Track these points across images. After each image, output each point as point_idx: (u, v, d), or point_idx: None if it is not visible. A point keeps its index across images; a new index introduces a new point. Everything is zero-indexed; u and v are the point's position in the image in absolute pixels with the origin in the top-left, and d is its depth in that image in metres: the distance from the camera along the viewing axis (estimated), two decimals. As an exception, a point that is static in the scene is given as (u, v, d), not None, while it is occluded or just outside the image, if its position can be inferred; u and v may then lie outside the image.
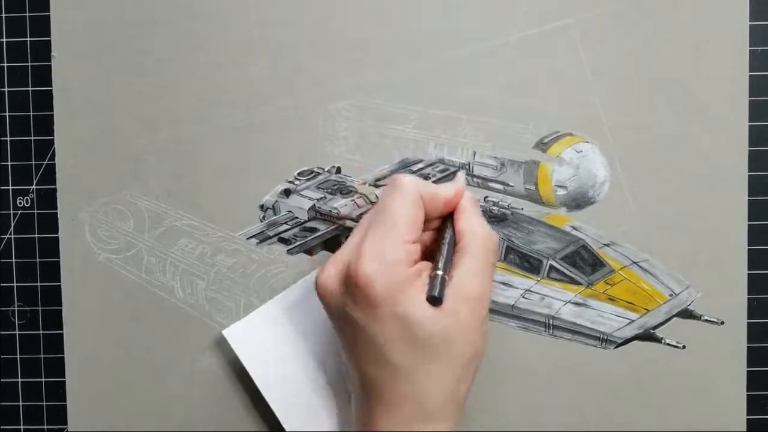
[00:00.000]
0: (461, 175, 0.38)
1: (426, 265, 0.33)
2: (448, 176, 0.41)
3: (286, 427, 0.39)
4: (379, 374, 0.32)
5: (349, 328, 0.33)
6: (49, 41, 0.41)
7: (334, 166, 0.41)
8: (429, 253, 0.34)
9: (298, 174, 0.41)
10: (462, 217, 0.34)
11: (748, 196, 0.41)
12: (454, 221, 0.34)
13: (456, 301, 0.32)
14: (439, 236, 0.35)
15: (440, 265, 0.32)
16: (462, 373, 0.32)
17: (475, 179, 0.41)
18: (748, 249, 0.41)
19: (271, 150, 0.41)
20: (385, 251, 0.31)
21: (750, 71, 0.40)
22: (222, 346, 0.41)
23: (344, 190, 0.41)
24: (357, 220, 0.41)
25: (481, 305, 0.32)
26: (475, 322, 0.32)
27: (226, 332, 0.39)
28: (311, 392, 0.39)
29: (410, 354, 0.31)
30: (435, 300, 0.31)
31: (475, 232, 0.33)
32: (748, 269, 0.41)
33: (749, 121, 0.40)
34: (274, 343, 0.39)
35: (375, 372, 0.32)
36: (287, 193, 0.41)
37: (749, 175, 0.41)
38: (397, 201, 0.33)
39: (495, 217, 0.41)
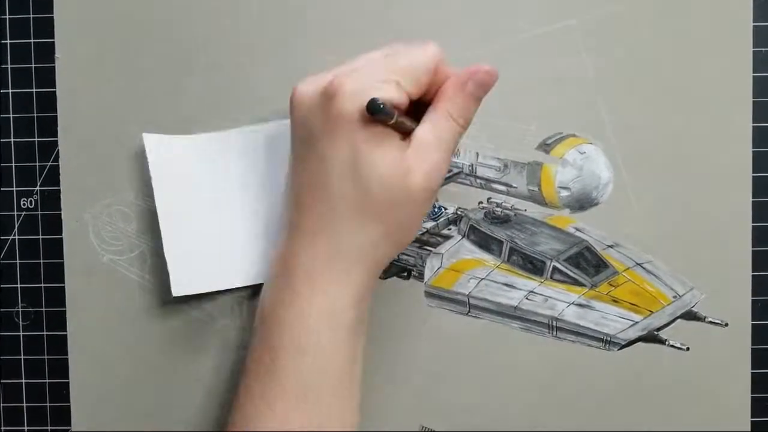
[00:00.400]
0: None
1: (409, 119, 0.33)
2: (451, 177, 0.41)
3: (171, 271, 0.38)
4: (315, 204, 0.32)
5: (305, 149, 0.33)
6: (53, 43, 0.41)
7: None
8: None
9: (301, 175, 0.41)
10: (446, 93, 0.33)
11: (752, 198, 0.40)
12: (439, 91, 0.34)
13: (410, 156, 0.32)
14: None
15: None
16: (391, 235, 0.33)
17: (478, 180, 0.41)
18: (753, 251, 0.40)
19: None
20: (374, 80, 0.31)
21: (754, 72, 0.40)
22: (224, 345, 0.41)
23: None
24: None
25: (442, 141, 0.32)
26: (432, 155, 0.32)
27: (146, 135, 0.39)
28: (216, 254, 0.39)
29: (350, 194, 0.31)
30: (373, 107, 0.30)
31: (448, 106, 0.33)
32: (753, 271, 0.41)
33: (753, 122, 0.40)
34: (198, 173, 0.38)
35: (312, 201, 0.32)
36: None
37: (753, 177, 0.40)
38: (413, 52, 0.32)
39: (498, 219, 0.41)
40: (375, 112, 0.30)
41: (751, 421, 0.41)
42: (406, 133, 0.33)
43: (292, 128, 0.34)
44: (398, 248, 0.35)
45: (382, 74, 0.32)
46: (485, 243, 0.41)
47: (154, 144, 0.39)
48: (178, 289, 0.39)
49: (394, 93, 0.31)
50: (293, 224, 0.34)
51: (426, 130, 0.33)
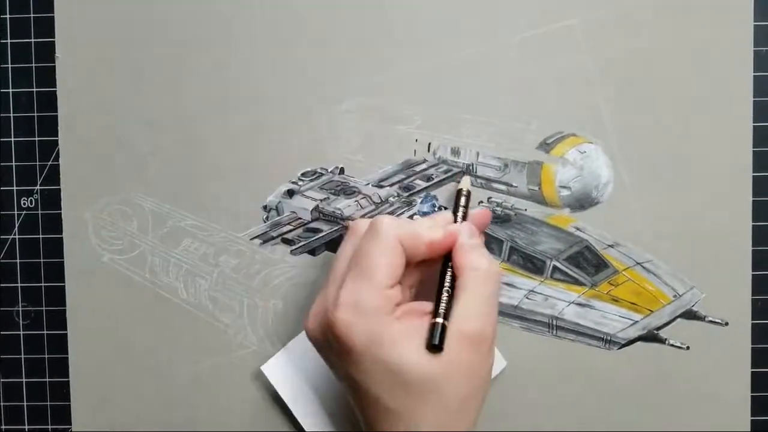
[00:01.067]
0: (448, 216, 0.36)
1: (413, 307, 0.32)
2: (451, 177, 0.41)
3: None
4: (373, 415, 0.32)
5: (340, 374, 0.33)
6: (53, 42, 0.41)
7: (337, 167, 0.41)
8: (426, 292, 0.34)
9: (302, 175, 0.41)
10: (459, 253, 0.33)
11: (753, 197, 0.40)
12: (452, 258, 0.33)
13: (452, 340, 0.31)
14: (439, 276, 0.34)
15: (440, 311, 0.32)
16: (458, 411, 0.31)
17: (478, 180, 0.41)
18: (753, 250, 0.40)
19: (274, 151, 0.41)
20: (361, 300, 0.31)
21: (754, 71, 0.40)
22: (224, 345, 0.41)
23: (348, 191, 0.41)
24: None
25: (482, 342, 0.32)
26: (474, 361, 0.31)
27: (264, 368, 0.40)
28: (345, 423, 0.39)
29: (399, 397, 0.31)
30: (434, 348, 0.30)
31: (472, 267, 0.32)
32: (753, 270, 0.41)
33: (753, 122, 0.40)
34: (307, 375, 0.39)
35: (369, 413, 0.32)
36: (291, 193, 0.41)
37: (753, 176, 0.40)
38: (373, 247, 0.32)
39: (498, 218, 0.41)
40: (435, 351, 0.31)
41: (751, 420, 0.41)
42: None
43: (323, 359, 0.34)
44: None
45: (374, 290, 0.31)
46: (486, 242, 0.41)
47: (273, 369, 0.40)
48: None
49: (393, 301, 0.31)
50: None
51: (464, 307, 0.32)
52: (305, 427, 0.39)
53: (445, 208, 0.41)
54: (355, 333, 0.30)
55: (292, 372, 0.40)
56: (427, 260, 0.34)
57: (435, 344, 0.30)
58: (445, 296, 0.32)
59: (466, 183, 0.38)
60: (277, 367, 0.40)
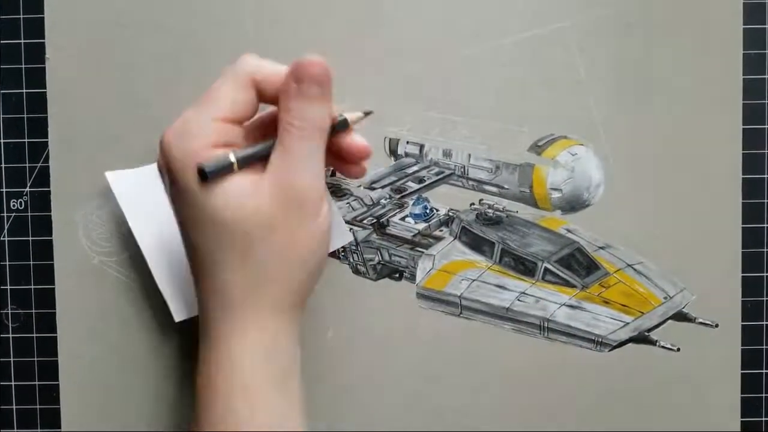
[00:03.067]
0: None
1: (257, 147, 0.31)
2: (443, 179, 0.41)
3: (168, 301, 0.38)
4: (190, 258, 0.31)
5: (169, 201, 0.32)
6: (43, 43, 0.41)
7: (329, 168, 0.41)
8: None
9: (293, 176, 0.41)
10: (285, 97, 0.30)
11: (743, 199, 0.41)
12: (278, 100, 0.31)
13: (262, 185, 0.29)
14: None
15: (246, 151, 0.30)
16: (266, 267, 0.30)
17: (470, 182, 0.41)
18: (743, 252, 0.41)
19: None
20: (190, 125, 0.30)
21: (744, 74, 0.40)
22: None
23: (339, 193, 0.41)
24: (352, 222, 0.41)
25: (300, 196, 0.30)
26: (289, 214, 0.30)
27: (108, 174, 0.38)
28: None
29: (203, 236, 0.30)
30: (202, 175, 0.29)
31: (296, 116, 0.30)
32: (743, 272, 0.41)
33: (743, 124, 0.41)
34: (164, 201, 0.36)
35: (188, 255, 0.31)
36: (282, 195, 0.41)
37: (743, 178, 0.41)
38: (219, 79, 0.31)
39: (490, 220, 0.41)
40: (208, 177, 0.29)
41: (741, 421, 0.41)
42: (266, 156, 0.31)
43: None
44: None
45: (199, 130, 0.30)
46: (477, 244, 0.41)
47: (118, 180, 0.39)
48: (179, 315, 0.38)
49: (226, 135, 0.30)
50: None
51: (275, 156, 0.30)
52: (144, 252, 0.38)
53: (437, 210, 0.42)
54: (174, 155, 0.29)
55: (141, 192, 0.38)
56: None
57: (201, 167, 0.29)
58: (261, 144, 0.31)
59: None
60: (123, 179, 0.38)
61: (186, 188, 0.29)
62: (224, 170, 0.29)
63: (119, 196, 0.39)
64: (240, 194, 0.29)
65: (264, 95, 0.31)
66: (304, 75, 0.30)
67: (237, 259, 0.30)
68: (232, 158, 0.29)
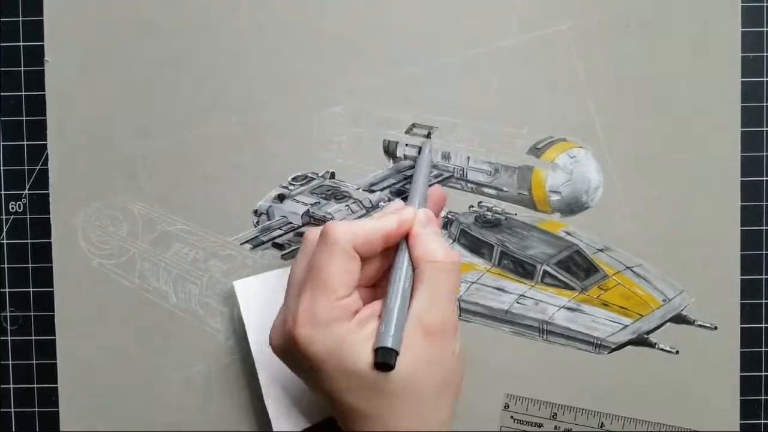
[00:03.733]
0: (400, 204, 0.35)
1: (373, 310, 0.32)
2: (442, 181, 0.41)
3: (273, 420, 0.38)
4: (346, 420, 0.32)
5: (309, 385, 0.33)
6: (42, 46, 0.41)
7: (328, 171, 0.41)
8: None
9: (292, 179, 0.41)
10: (414, 242, 0.32)
11: (741, 202, 0.41)
12: (409, 248, 0.33)
13: (414, 336, 0.30)
14: (392, 265, 0.33)
15: (389, 299, 0.31)
16: (431, 404, 0.31)
17: (469, 184, 0.41)
18: (741, 254, 0.41)
19: (265, 155, 0.41)
20: (317, 312, 0.30)
21: (742, 77, 0.40)
22: (214, 350, 0.41)
23: (338, 195, 0.41)
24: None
25: (445, 335, 0.31)
26: (439, 354, 0.31)
27: (236, 283, 0.39)
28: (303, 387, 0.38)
29: (369, 400, 0.30)
30: (384, 367, 0.30)
31: (429, 257, 0.32)
32: (741, 274, 0.41)
33: (742, 127, 0.41)
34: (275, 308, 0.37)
35: (342, 418, 0.32)
36: (281, 198, 0.41)
37: (742, 181, 0.41)
38: (325, 257, 0.31)
39: (489, 222, 0.41)
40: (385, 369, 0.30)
41: (741, 424, 0.41)
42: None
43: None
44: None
45: (330, 302, 0.30)
46: (476, 247, 0.41)
47: (245, 288, 0.39)
48: (279, 427, 0.38)
49: (351, 308, 0.31)
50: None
51: (421, 299, 0.32)
52: (256, 363, 0.38)
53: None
54: (316, 346, 0.30)
55: (262, 299, 0.38)
56: (388, 249, 0.33)
57: (382, 362, 0.30)
58: (395, 283, 0.32)
59: (406, 210, 0.35)
60: (249, 287, 0.39)
61: (348, 372, 0.30)
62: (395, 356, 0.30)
63: (242, 304, 0.39)
64: (411, 362, 0.30)
65: (364, 257, 0.32)
66: (431, 218, 0.34)
67: (409, 405, 0.31)
68: (393, 346, 0.30)
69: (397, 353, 0.30)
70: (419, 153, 0.40)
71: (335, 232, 0.31)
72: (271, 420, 0.38)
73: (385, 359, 0.30)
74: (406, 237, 0.33)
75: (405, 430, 0.31)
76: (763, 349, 0.41)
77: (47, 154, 0.41)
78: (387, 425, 0.31)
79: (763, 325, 0.41)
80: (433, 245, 0.32)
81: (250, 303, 0.39)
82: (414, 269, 0.32)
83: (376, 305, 0.32)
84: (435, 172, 0.41)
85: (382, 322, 0.30)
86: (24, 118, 0.41)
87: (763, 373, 0.41)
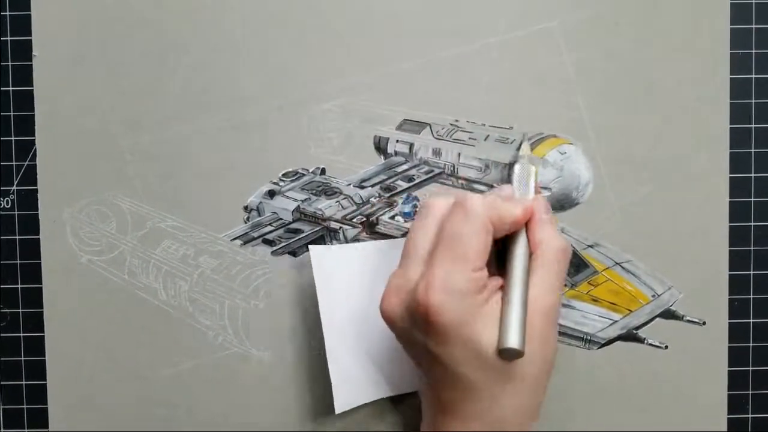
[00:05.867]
0: (510, 190, 0.36)
1: (494, 284, 0.33)
2: (432, 178, 0.41)
3: (335, 387, 0.37)
4: (452, 394, 0.32)
5: (420, 352, 0.33)
6: (30, 40, 0.40)
7: (318, 168, 0.41)
8: (495, 264, 0.34)
9: (283, 175, 0.41)
10: (536, 228, 0.34)
11: (730, 198, 0.41)
12: (528, 232, 0.34)
13: (534, 319, 0.32)
14: (510, 249, 0.33)
15: (512, 285, 0.32)
16: (537, 386, 0.33)
17: (459, 181, 0.41)
18: (730, 250, 0.41)
19: (255, 151, 0.41)
20: (454, 281, 0.31)
21: (731, 74, 0.41)
22: (204, 347, 0.41)
23: (329, 192, 0.41)
24: (341, 221, 0.41)
25: (556, 316, 0.33)
26: (549, 335, 0.32)
27: (312, 248, 0.38)
28: (370, 358, 0.38)
29: (484, 375, 0.31)
30: (511, 353, 0.31)
31: (549, 243, 0.33)
32: (730, 270, 0.41)
33: (730, 124, 0.41)
34: (358, 284, 0.38)
35: (448, 392, 0.32)
36: (271, 194, 0.41)
37: (730, 177, 0.41)
38: (466, 228, 0.32)
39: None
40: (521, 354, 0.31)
41: (728, 418, 0.41)
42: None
43: (396, 338, 0.34)
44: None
45: (467, 273, 0.31)
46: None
47: (320, 255, 0.38)
48: (342, 406, 0.37)
49: (482, 282, 0.32)
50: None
51: (537, 284, 0.33)
52: (324, 331, 0.38)
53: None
54: (449, 314, 0.31)
55: (337, 269, 0.38)
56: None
57: (507, 348, 0.31)
58: (518, 265, 0.33)
59: (525, 149, 0.38)
60: (324, 255, 0.38)
61: (473, 343, 0.31)
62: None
63: (316, 270, 0.38)
64: (533, 344, 0.32)
65: (495, 235, 0.33)
66: (548, 205, 0.35)
67: (520, 384, 0.32)
68: (520, 347, 0.31)
69: (523, 352, 0.31)
70: (411, 150, 0.40)
71: (476, 204, 0.32)
72: (333, 389, 0.37)
73: (511, 354, 0.31)
74: (526, 223, 0.34)
75: (508, 405, 0.32)
76: (750, 344, 0.41)
77: (35, 149, 0.41)
78: (495, 400, 0.32)
79: (751, 321, 0.41)
80: (553, 232, 0.34)
81: (322, 270, 0.38)
82: (532, 253, 0.33)
83: (495, 280, 0.33)
84: (426, 168, 0.41)
85: (507, 315, 0.31)
86: (12, 113, 0.41)
87: (750, 368, 0.41)
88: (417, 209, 0.41)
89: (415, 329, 0.32)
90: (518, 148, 0.39)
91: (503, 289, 0.32)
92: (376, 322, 0.34)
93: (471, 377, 0.31)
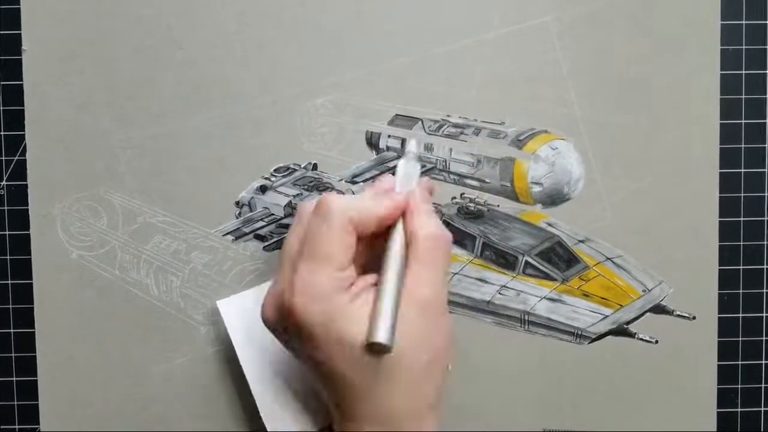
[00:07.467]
0: (391, 181, 0.35)
1: (367, 281, 0.32)
2: (425, 173, 0.41)
3: (266, 421, 0.38)
4: (340, 395, 0.32)
5: (302, 356, 0.33)
6: (20, 34, 0.40)
7: (310, 163, 0.41)
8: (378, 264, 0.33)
9: (275, 170, 0.41)
10: (410, 219, 0.32)
11: (720, 194, 0.41)
12: (404, 223, 0.33)
13: (408, 312, 0.31)
14: (386, 243, 0.32)
15: (383, 280, 0.31)
16: (423, 378, 0.31)
17: (451, 176, 0.41)
18: (719, 245, 0.41)
19: (247, 146, 0.41)
20: (316, 282, 0.30)
21: (721, 70, 0.41)
22: (196, 342, 0.41)
23: (321, 187, 0.41)
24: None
25: (435, 309, 0.31)
26: (430, 327, 0.31)
27: (219, 303, 0.39)
28: (295, 393, 0.39)
29: (360, 372, 0.31)
30: (379, 347, 0.30)
31: (420, 232, 0.32)
32: (719, 265, 0.41)
33: (720, 119, 0.41)
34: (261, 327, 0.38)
35: (337, 393, 0.32)
36: (263, 189, 0.41)
37: (720, 173, 0.41)
38: (323, 228, 0.31)
39: (471, 214, 0.41)
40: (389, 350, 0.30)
41: (717, 412, 0.41)
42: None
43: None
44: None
45: (328, 274, 0.31)
46: (458, 238, 0.41)
47: (228, 307, 0.39)
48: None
49: (347, 281, 0.31)
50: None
51: (413, 275, 0.32)
52: (248, 377, 0.38)
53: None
54: (313, 316, 0.30)
55: (248, 317, 0.38)
56: (378, 234, 0.33)
57: (375, 341, 0.30)
58: (390, 259, 0.32)
59: (413, 146, 0.36)
60: (232, 306, 0.39)
61: (343, 343, 0.30)
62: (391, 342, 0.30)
63: (228, 324, 0.39)
64: (403, 337, 0.30)
65: (361, 234, 0.32)
66: (428, 195, 0.34)
67: (402, 378, 0.31)
68: (388, 342, 0.30)
69: (391, 347, 0.30)
70: (403, 146, 0.40)
71: (331, 204, 0.31)
72: (267, 427, 0.38)
73: (379, 348, 0.30)
74: (402, 213, 0.33)
75: (394, 404, 0.31)
76: (740, 339, 0.42)
77: (25, 144, 0.40)
78: (377, 398, 0.31)
79: (741, 315, 0.42)
80: (430, 221, 0.32)
81: (233, 321, 0.39)
82: (408, 245, 0.32)
83: (370, 278, 0.32)
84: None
85: (376, 310, 0.30)
86: (1, 108, 0.41)
87: (739, 362, 0.42)
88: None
89: (290, 335, 0.32)
90: (403, 145, 0.38)
91: (378, 283, 0.32)
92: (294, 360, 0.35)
93: (348, 376, 0.31)
